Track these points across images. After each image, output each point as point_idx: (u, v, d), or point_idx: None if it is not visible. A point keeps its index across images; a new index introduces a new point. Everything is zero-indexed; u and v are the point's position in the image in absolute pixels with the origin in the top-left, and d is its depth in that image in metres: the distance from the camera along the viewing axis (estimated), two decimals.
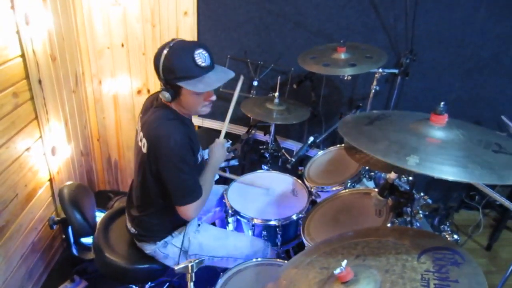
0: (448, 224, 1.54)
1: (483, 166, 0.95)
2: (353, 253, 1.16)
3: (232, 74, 1.55)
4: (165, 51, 1.45)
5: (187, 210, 1.56)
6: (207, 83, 1.47)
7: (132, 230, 1.75)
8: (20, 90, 1.93)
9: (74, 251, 1.90)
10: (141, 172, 1.61)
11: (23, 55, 1.93)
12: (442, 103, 1.07)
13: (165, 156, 1.49)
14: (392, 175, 1.33)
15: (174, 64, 1.44)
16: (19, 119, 1.95)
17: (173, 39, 1.50)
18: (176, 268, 1.20)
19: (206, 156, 1.80)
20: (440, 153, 1.00)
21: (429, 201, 1.68)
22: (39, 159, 2.15)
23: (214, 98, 1.58)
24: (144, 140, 1.55)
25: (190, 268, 1.15)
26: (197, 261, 1.14)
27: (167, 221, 1.72)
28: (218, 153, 1.75)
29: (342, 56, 1.92)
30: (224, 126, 1.83)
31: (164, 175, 1.52)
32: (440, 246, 1.06)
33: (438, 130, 1.07)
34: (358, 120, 1.27)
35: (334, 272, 1.00)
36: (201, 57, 1.46)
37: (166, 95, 1.50)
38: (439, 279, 0.92)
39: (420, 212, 1.56)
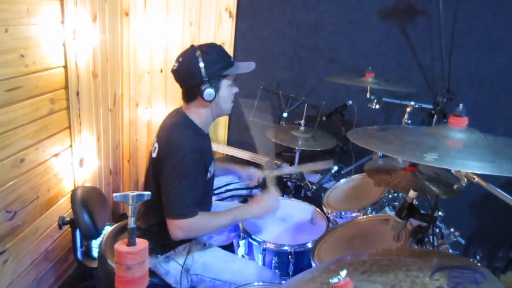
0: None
1: None
2: (360, 269, 1.03)
3: (253, 64, 1.66)
4: (198, 52, 1.52)
5: (172, 225, 1.47)
6: (245, 66, 1.62)
7: None
8: (57, 98, 2.05)
9: (79, 255, 1.86)
10: (147, 178, 1.60)
11: (65, 66, 2.07)
12: (461, 104, 0.98)
13: (170, 164, 1.46)
14: (411, 194, 1.20)
15: (214, 56, 1.54)
16: (52, 125, 2.04)
17: (191, 46, 1.58)
18: (114, 194, 1.07)
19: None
20: (462, 151, 0.90)
21: (461, 239, 1.50)
22: (66, 167, 2.21)
23: (237, 89, 1.67)
24: (156, 145, 1.55)
25: (131, 198, 1.02)
26: (139, 193, 1.02)
27: (169, 234, 1.64)
28: (265, 203, 1.65)
29: (370, 80, 1.88)
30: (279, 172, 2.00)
31: (162, 182, 1.49)
32: (459, 265, 0.91)
33: (459, 132, 0.97)
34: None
35: (331, 281, 0.88)
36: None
37: (211, 92, 1.52)
38: None
39: (447, 245, 1.38)
